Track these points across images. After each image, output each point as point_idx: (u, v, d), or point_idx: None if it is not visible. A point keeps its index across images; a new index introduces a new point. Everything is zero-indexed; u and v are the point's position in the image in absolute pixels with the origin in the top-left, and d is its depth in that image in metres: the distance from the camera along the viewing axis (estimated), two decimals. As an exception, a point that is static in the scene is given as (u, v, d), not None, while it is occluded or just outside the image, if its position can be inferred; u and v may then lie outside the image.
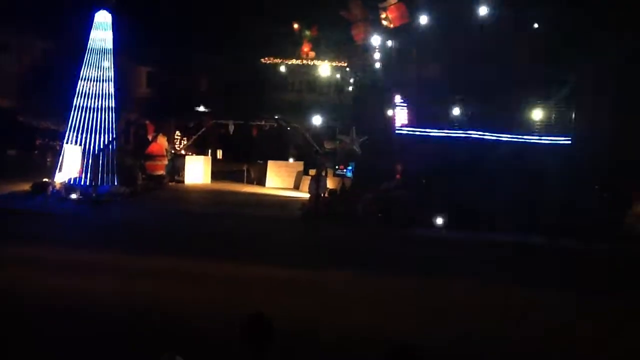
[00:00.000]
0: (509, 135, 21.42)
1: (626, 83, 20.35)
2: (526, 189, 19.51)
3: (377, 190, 21.73)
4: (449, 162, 20.75)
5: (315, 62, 32.21)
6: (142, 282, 11.96)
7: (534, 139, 21.43)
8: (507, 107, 21.73)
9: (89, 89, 22.48)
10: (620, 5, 20.47)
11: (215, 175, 29.48)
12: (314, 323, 10.14)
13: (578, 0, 20.83)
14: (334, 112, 29.13)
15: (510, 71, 21.42)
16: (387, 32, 23.45)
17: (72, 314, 9.86)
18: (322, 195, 22.16)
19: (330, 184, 24.23)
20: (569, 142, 21.19)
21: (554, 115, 21.67)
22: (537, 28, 21.76)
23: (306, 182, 25.30)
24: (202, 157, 30.02)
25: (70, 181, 21.77)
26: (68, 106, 22.62)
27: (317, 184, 21.63)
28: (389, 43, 24.04)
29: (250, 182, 29.62)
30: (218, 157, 32.08)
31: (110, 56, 22.89)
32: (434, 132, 22.16)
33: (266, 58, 32.18)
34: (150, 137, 28.77)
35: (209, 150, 31.68)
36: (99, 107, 22.49)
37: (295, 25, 32.40)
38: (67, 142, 22.37)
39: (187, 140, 31.74)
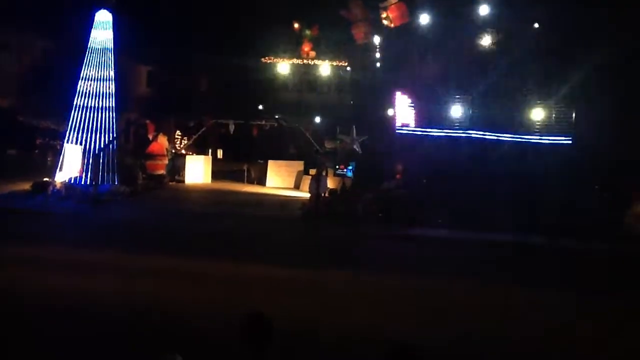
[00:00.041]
0: (509, 135, 21.41)
1: (626, 83, 20.33)
2: (526, 189, 19.51)
3: (378, 190, 21.73)
4: (449, 162, 20.75)
5: (316, 61, 32.25)
6: (143, 282, 11.96)
7: (534, 138, 21.41)
8: (507, 107, 21.73)
9: (89, 89, 22.49)
10: (620, 5, 20.45)
11: (216, 174, 29.49)
12: (314, 323, 10.14)
13: (578, 0, 20.82)
14: (334, 112, 29.14)
15: (511, 71, 21.42)
16: (388, 32, 23.44)
17: (72, 314, 9.86)
18: (323, 195, 22.16)
19: (330, 183, 24.23)
20: (569, 142, 21.17)
21: (554, 115, 21.65)
22: (537, 28, 21.76)
23: (306, 181, 25.30)
24: (202, 156, 30.02)
25: (70, 180, 21.77)
26: (68, 106, 22.63)
27: (317, 183, 21.63)
28: (389, 43, 24.03)
29: (250, 181, 29.63)
30: (218, 156, 32.09)
31: (111, 55, 22.90)
32: (435, 132, 22.15)
33: (266, 58, 32.18)
34: (150, 137, 28.78)
35: (210, 150, 31.68)
36: (100, 106, 22.49)
37: (296, 25, 32.44)
38: (67, 142, 22.38)
39: (188, 140, 31.76)
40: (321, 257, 15.79)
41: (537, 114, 21.45)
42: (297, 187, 28.12)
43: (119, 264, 13.20)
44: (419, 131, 22.37)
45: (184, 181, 28.17)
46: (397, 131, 22.84)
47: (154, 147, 27.52)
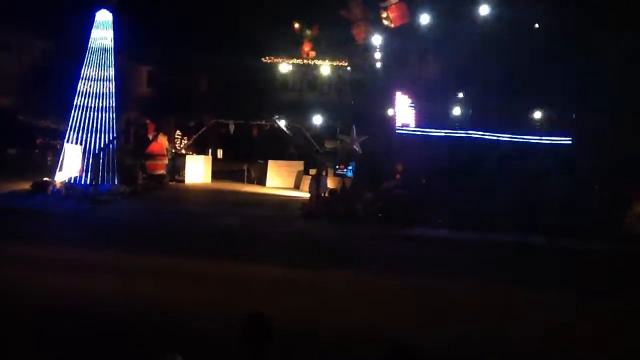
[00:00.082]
0: (509, 135, 21.42)
1: (626, 83, 20.33)
2: (526, 189, 19.51)
3: (378, 190, 21.74)
4: (449, 162, 20.76)
5: (316, 61, 32.19)
6: (143, 282, 11.95)
7: (534, 138, 21.42)
8: (507, 107, 21.73)
9: (90, 88, 22.48)
10: (620, 5, 20.46)
11: (216, 174, 29.49)
12: (314, 323, 10.13)
13: (578, 0, 20.83)
14: (334, 112, 29.12)
15: (511, 71, 21.43)
16: (388, 32, 23.44)
17: (72, 314, 9.85)
18: (323, 195, 22.17)
19: (330, 183, 24.23)
20: (569, 142, 21.18)
21: (553, 115, 21.66)
22: (537, 28, 21.76)
23: (306, 181, 25.31)
24: (202, 156, 30.02)
25: (70, 180, 21.77)
26: (68, 105, 22.62)
27: (317, 183, 21.65)
28: (389, 43, 24.03)
29: (250, 181, 29.63)
30: (218, 156, 32.06)
31: (111, 55, 22.89)
32: (435, 132, 22.16)
33: (267, 58, 32.16)
34: (150, 137, 28.77)
35: (210, 150, 31.66)
36: (100, 106, 22.49)
37: (296, 25, 32.37)
38: (67, 141, 22.37)
39: (188, 140, 31.75)
40: (321, 257, 15.79)
41: (537, 114, 21.45)
42: (297, 187, 28.12)
43: (119, 264, 13.20)
44: (419, 131, 22.37)
45: (184, 181, 28.17)
46: (397, 131, 22.84)
47: (154, 147, 27.52)
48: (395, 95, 22.91)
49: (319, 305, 11.29)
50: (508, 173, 19.63)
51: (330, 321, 10.35)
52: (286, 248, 16.65)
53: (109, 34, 22.86)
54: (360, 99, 27.68)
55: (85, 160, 21.88)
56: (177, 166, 28.74)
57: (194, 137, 31.35)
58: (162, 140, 28.14)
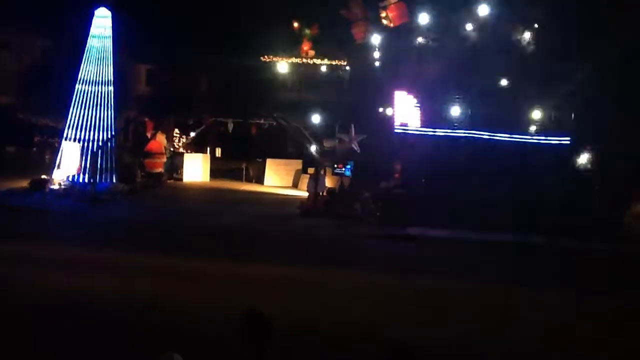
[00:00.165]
0: (508, 135, 21.37)
1: (626, 83, 20.30)
2: (526, 189, 19.47)
3: (376, 189, 21.69)
4: (448, 161, 20.70)
5: (315, 60, 32.18)
6: (141, 281, 11.92)
7: (533, 138, 21.37)
8: (507, 106, 21.69)
9: (88, 87, 22.42)
10: (620, 5, 20.43)
11: (214, 173, 29.47)
12: (314, 323, 10.10)
13: (578, 0, 20.79)
14: (333, 111, 29.09)
15: (511, 71, 21.39)
16: (387, 31, 23.40)
17: (71, 313, 9.82)
18: (321, 193, 22.13)
19: (328, 182, 24.19)
20: (569, 142, 21.13)
21: (553, 115, 21.62)
22: (537, 28, 21.72)
23: (305, 180, 25.29)
24: (201, 155, 30.02)
25: (68, 178, 21.71)
26: (67, 103, 22.57)
27: (315, 182, 21.63)
28: (389, 42, 23.98)
29: (249, 180, 29.61)
30: (217, 155, 32.04)
31: (110, 53, 22.83)
32: (434, 132, 22.10)
33: (266, 57, 32.12)
34: (149, 135, 28.74)
35: (208, 148, 31.65)
36: (98, 104, 22.43)
37: (295, 24, 32.35)
38: (65, 139, 22.32)
39: (186, 138, 31.70)
40: (320, 256, 15.75)
41: (537, 114, 21.42)
42: (295, 185, 28.10)
43: (118, 263, 13.16)
44: (418, 131, 22.31)
45: (182, 179, 28.15)
46: (395, 130, 22.78)
47: (152, 146, 27.48)
48: (394, 94, 22.83)
49: (318, 305, 11.27)
50: (508, 173, 19.57)
51: (330, 321, 10.32)
52: (285, 247, 16.61)
53: (108, 32, 22.81)
54: (360, 98, 27.62)
55: (84, 158, 21.84)
56: (175, 164, 28.72)
57: (193, 135, 31.31)
58: (161, 138, 28.11)
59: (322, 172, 23.35)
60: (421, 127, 22.16)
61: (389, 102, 23.62)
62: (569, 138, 21.16)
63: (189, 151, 30.61)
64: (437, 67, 22.27)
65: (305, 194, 23.28)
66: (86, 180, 21.84)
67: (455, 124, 21.85)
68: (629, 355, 9.99)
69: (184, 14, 30.02)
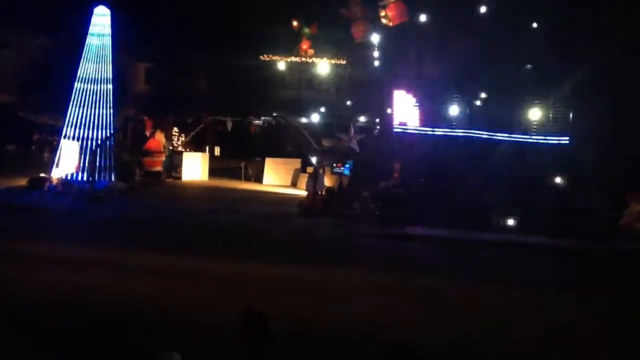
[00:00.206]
0: (508, 135, 21.34)
1: (625, 83, 20.29)
2: (526, 189, 19.44)
3: (375, 188, 21.66)
4: (447, 161, 20.67)
5: (314, 59, 32.17)
6: (140, 279, 11.88)
7: (533, 138, 21.34)
8: (506, 106, 21.66)
9: (88, 85, 22.38)
10: (620, 5, 20.41)
11: (213, 172, 29.42)
12: (313, 322, 10.07)
13: (578, 0, 20.78)
14: (332, 110, 29.09)
15: (510, 70, 21.36)
16: (387, 31, 23.37)
17: (69, 311, 9.77)
18: (320, 193, 22.10)
19: (327, 181, 24.15)
20: (568, 142, 21.11)
21: (552, 115, 21.59)
22: (536, 27, 21.70)
23: (303, 179, 25.26)
24: (199, 153, 29.97)
25: (67, 177, 21.67)
26: (66, 102, 22.53)
27: (314, 181, 21.58)
28: (388, 41, 23.96)
29: (247, 179, 29.56)
30: (216, 153, 32.04)
31: (109, 52, 22.79)
32: (433, 131, 22.06)
33: (265, 56, 32.11)
34: (148, 133, 28.72)
35: (207, 147, 31.61)
36: (97, 102, 22.39)
37: (295, 23, 32.35)
38: (64, 138, 22.28)
39: (185, 137, 31.67)
40: (319, 255, 15.72)
41: (536, 114, 21.38)
42: (294, 184, 28.07)
43: (116, 261, 13.10)
44: (417, 130, 22.27)
45: (181, 178, 28.12)
46: (394, 130, 22.74)
47: (151, 144, 27.45)
48: (393, 93, 22.79)
49: (318, 305, 11.23)
50: (507, 173, 19.55)
51: (330, 320, 10.28)
52: (284, 246, 16.58)
53: (107, 30, 22.77)
54: (359, 98, 27.61)
55: (83, 156, 21.80)
56: (174, 163, 28.69)
57: (192, 134, 31.27)
58: (160, 137, 28.08)
59: (321, 172, 23.32)
60: (420, 126, 22.12)
61: (388, 101, 23.59)
62: (568, 138, 21.14)
63: (187, 150, 30.57)
64: (435, 66, 22.24)
65: (304, 193, 23.25)
66: (85, 178, 21.80)
67: (454, 123, 21.81)
68: (629, 355, 9.96)
69: (183, 13, 30.01)
